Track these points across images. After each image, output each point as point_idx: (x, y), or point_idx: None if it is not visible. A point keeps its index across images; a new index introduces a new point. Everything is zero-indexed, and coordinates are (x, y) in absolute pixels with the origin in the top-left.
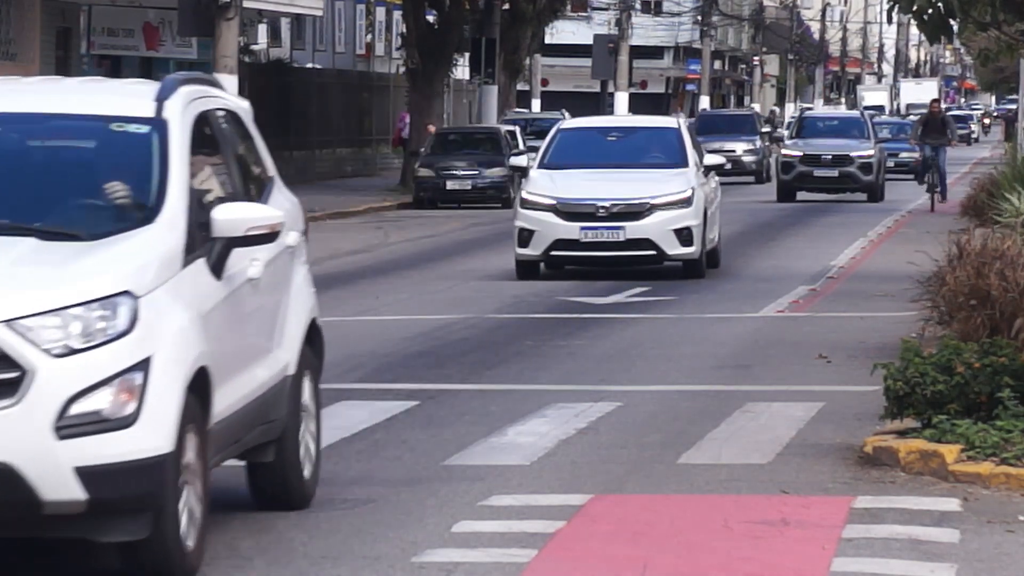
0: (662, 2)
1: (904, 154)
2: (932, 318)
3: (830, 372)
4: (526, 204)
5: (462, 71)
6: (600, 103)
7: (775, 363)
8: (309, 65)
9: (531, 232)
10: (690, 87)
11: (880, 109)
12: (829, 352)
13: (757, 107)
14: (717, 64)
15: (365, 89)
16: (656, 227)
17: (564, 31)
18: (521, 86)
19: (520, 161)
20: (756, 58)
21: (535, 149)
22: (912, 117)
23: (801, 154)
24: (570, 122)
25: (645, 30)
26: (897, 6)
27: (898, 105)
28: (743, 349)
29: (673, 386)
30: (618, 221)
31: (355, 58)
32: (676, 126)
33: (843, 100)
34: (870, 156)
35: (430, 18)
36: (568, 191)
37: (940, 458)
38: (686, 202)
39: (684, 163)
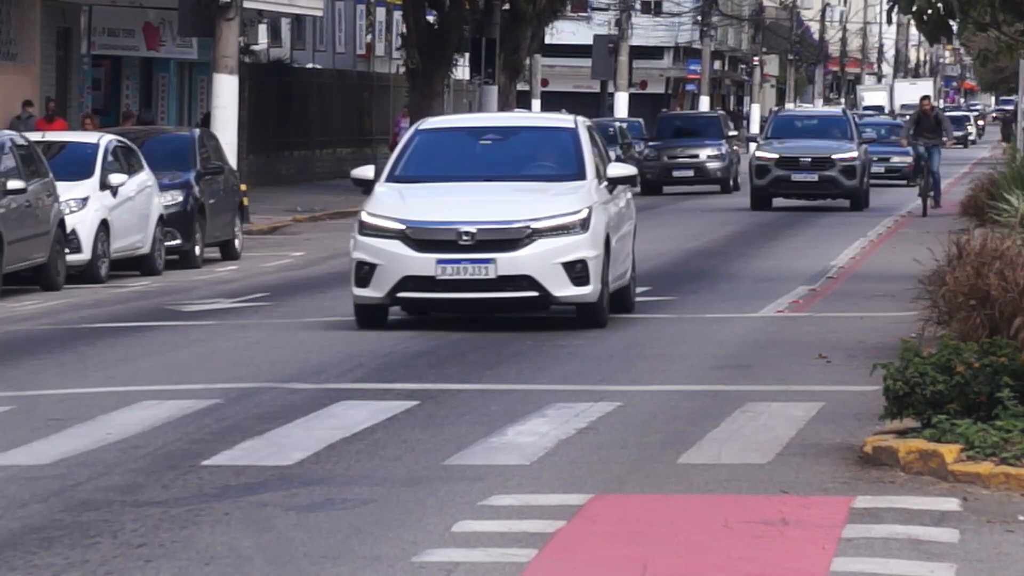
0: (662, 2)
1: (896, 158)
2: (932, 318)
3: (830, 372)
4: (366, 229)
5: (462, 71)
6: (600, 103)
7: (775, 363)
8: (309, 65)
9: (372, 267)
10: (690, 87)
11: (880, 109)
12: (829, 352)
13: (757, 108)
14: (717, 64)
15: (365, 89)
16: (538, 260)
17: (564, 31)
18: (521, 86)
19: (364, 172)
20: (756, 58)
21: None
22: (902, 118)
23: (777, 156)
24: (432, 121)
25: (645, 30)
26: (897, 6)
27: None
28: (743, 349)
29: (673, 386)
30: (487, 252)
31: (355, 58)
32: (572, 126)
33: (843, 100)
34: (853, 158)
35: (430, 18)
36: (421, 212)
37: (940, 458)
38: (580, 226)
39: (580, 174)
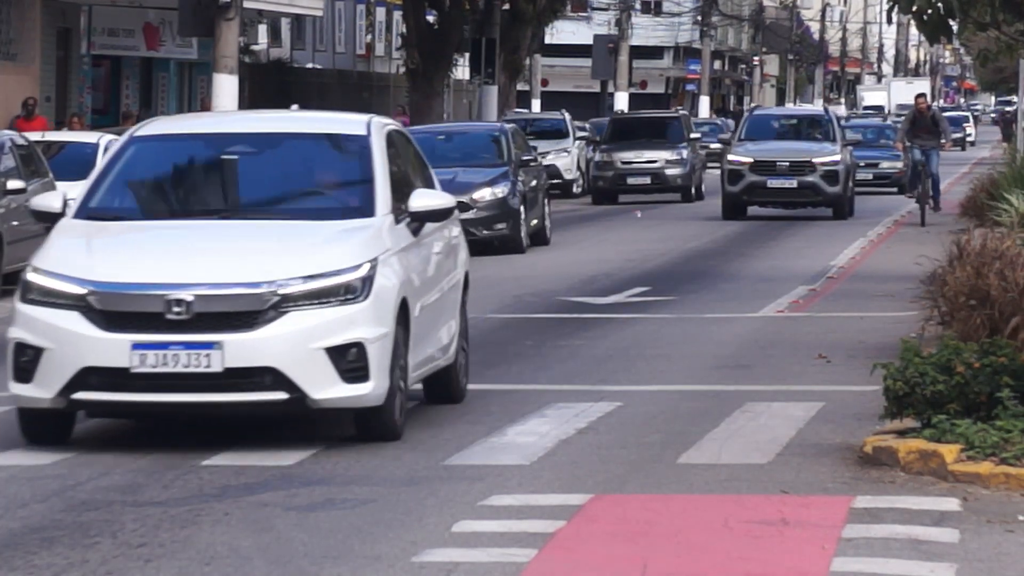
0: (662, 2)
1: (885, 163)
2: (932, 318)
3: (830, 372)
4: (30, 293)
5: (462, 71)
6: (600, 103)
7: (775, 363)
8: (309, 65)
9: (37, 352)
10: (690, 87)
11: (880, 109)
12: (829, 352)
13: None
14: (717, 64)
15: (365, 89)
16: (288, 343)
17: (564, 31)
18: (521, 86)
19: (48, 202)
20: (756, 58)
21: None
22: (894, 119)
23: (751, 160)
24: (156, 125)
25: (645, 30)
26: (897, 6)
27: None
28: (743, 349)
29: (673, 386)
30: (210, 331)
31: (355, 58)
32: (362, 132)
33: (843, 100)
34: (836, 162)
35: (430, 18)
36: (113, 268)
37: (940, 458)
38: (356, 290)
39: (367, 207)
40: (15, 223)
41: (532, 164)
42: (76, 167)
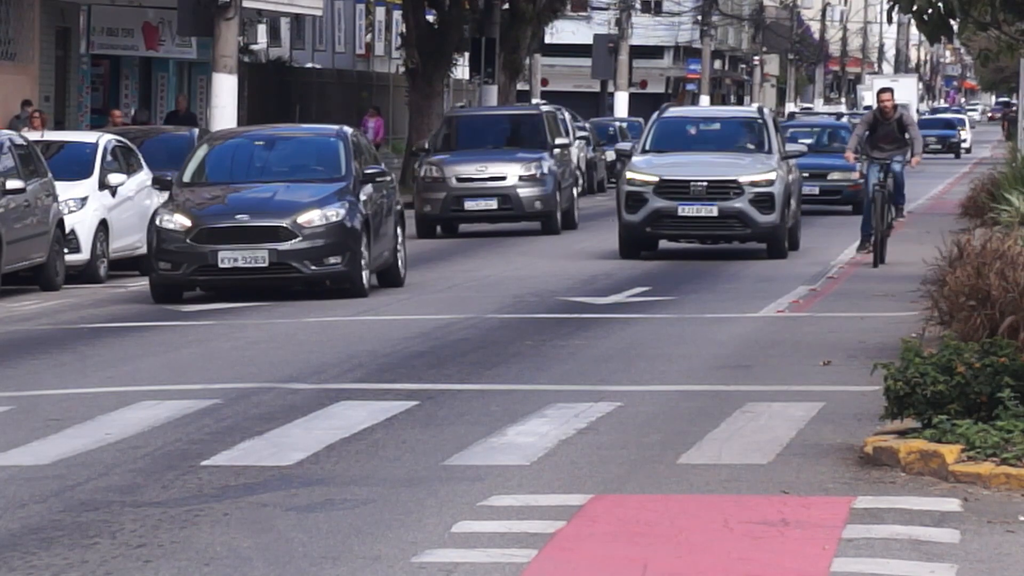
0: (662, 2)
1: (836, 174)
2: (932, 318)
3: (830, 372)
4: None
5: (462, 71)
6: (600, 103)
7: (775, 363)
8: (309, 65)
9: None
10: (690, 87)
11: None
12: (829, 352)
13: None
14: (717, 64)
15: (365, 89)
16: None
17: (564, 31)
18: (521, 86)
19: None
20: (756, 58)
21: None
22: (851, 119)
23: (657, 179)
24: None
25: (645, 30)
26: (897, 6)
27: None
28: (743, 349)
29: (673, 386)
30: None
31: (355, 58)
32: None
33: (843, 100)
34: (771, 182)
35: (430, 18)
36: None
37: (940, 458)
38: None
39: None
40: (15, 223)
41: (380, 179)
42: (75, 167)
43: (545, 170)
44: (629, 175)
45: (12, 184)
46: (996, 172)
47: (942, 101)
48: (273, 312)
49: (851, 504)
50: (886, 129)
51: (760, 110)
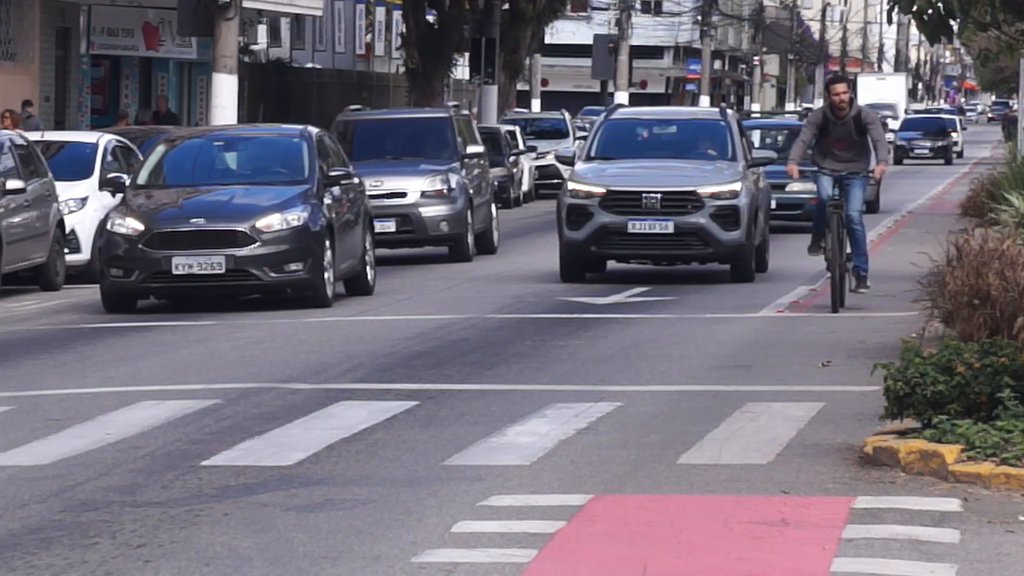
0: (662, 2)
1: (796, 186)
2: (932, 318)
3: (830, 372)
4: None
5: (462, 71)
6: (600, 103)
7: (775, 363)
8: (309, 65)
9: None
10: (690, 87)
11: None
12: (829, 353)
13: (757, 108)
14: (717, 64)
15: (365, 89)
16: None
17: (564, 31)
18: (521, 86)
19: None
20: (756, 58)
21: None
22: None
23: (604, 191)
24: None
25: (645, 30)
26: (897, 6)
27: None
28: (743, 349)
29: (673, 386)
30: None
31: (355, 58)
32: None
33: None
34: (735, 193)
35: (430, 18)
36: None
37: (940, 458)
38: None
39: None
40: (15, 223)
41: (346, 182)
42: (75, 167)
43: (453, 184)
44: (572, 186)
45: (12, 184)
46: (996, 172)
47: (942, 101)
48: (273, 312)
49: (851, 504)
50: (840, 131)
51: (722, 111)
